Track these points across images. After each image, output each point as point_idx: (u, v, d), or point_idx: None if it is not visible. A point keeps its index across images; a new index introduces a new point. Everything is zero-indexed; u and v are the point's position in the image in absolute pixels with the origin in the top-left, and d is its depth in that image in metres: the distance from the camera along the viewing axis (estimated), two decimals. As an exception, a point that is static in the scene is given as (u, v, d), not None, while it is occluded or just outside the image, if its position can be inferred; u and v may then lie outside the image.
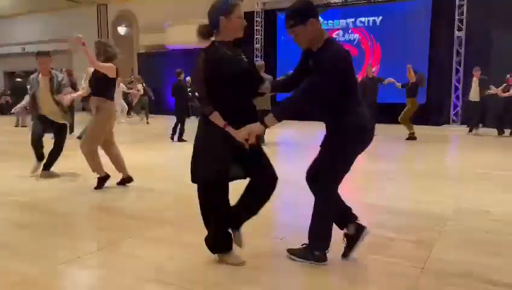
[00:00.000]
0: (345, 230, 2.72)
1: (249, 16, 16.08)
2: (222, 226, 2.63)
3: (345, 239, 2.72)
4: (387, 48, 13.72)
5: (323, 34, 2.53)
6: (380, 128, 10.57)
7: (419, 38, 13.05)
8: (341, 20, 14.76)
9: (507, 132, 10.23)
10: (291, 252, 2.72)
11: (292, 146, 9.31)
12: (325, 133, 2.64)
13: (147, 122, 13.76)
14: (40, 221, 3.61)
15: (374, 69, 11.72)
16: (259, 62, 9.34)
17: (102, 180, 4.68)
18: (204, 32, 2.56)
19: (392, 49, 13.40)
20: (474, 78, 10.36)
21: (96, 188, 4.62)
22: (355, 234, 2.68)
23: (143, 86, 14.60)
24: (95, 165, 4.64)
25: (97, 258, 2.81)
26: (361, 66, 13.60)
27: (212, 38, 2.61)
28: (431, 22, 13.10)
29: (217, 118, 2.46)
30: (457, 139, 10.19)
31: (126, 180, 4.86)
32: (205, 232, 3.24)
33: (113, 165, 4.82)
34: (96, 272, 2.63)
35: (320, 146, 2.64)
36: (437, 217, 3.65)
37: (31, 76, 5.36)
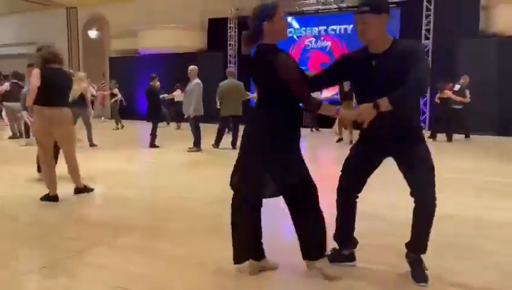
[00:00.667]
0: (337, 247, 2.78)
1: (222, 22, 16.14)
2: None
3: (333, 252, 2.77)
4: (358, 55, 14.01)
5: (389, 36, 2.50)
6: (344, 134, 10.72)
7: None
8: (313, 28, 15.00)
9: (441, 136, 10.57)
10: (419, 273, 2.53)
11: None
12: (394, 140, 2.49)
13: (117, 127, 13.44)
14: (5, 229, 3.49)
15: None
16: (230, 69, 9.33)
17: (49, 198, 4.33)
18: (249, 39, 2.52)
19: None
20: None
21: (41, 198, 4.36)
22: (348, 256, 2.77)
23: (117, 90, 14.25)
24: (46, 179, 4.38)
25: (63, 267, 2.73)
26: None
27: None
28: (400, 30, 13.47)
29: (327, 108, 2.43)
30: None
31: (80, 190, 4.66)
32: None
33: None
34: (62, 281, 2.56)
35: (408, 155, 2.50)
36: (408, 222, 3.73)
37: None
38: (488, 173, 6.27)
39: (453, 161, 7.41)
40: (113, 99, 14.12)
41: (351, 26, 14.27)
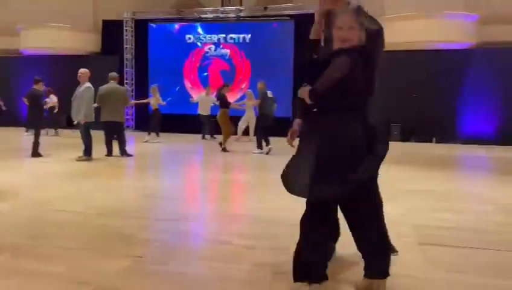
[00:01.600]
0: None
1: (117, 24, 15.43)
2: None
3: None
4: (256, 64, 14.42)
5: None
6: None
7: (284, 56, 13.98)
8: (213, 35, 15.08)
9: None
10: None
11: (163, 159, 9.10)
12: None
13: None
14: None
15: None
16: (112, 73, 8.74)
17: None
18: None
19: (261, 66, 14.12)
20: None
21: None
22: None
23: None
24: None
25: None
26: (233, 81, 14.05)
27: None
28: (294, 41, 14.19)
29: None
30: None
31: None
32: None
33: None
34: None
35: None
36: (293, 223, 3.86)
37: None
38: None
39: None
40: None
41: (250, 35, 14.66)
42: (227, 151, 9.21)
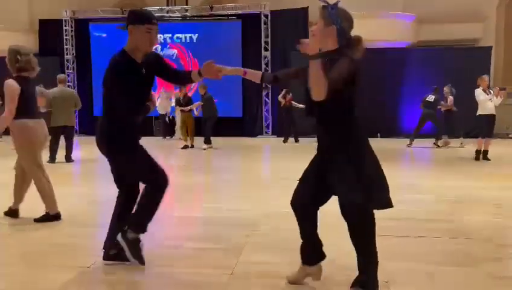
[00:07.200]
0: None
1: (56, 24, 14.73)
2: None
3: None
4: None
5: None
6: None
7: (233, 56, 13.96)
8: (159, 35, 14.76)
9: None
10: None
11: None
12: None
13: None
14: None
15: None
16: (60, 75, 8.56)
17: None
18: None
19: (209, 66, 14.02)
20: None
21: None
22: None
23: None
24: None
25: None
26: (181, 81, 13.86)
27: None
28: (242, 41, 14.22)
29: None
30: (268, 149, 11.25)
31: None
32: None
33: None
34: None
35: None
36: (247, 223, 3.88)
37: None
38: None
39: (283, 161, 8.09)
40: None
41: (197, 35, 14.52)
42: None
